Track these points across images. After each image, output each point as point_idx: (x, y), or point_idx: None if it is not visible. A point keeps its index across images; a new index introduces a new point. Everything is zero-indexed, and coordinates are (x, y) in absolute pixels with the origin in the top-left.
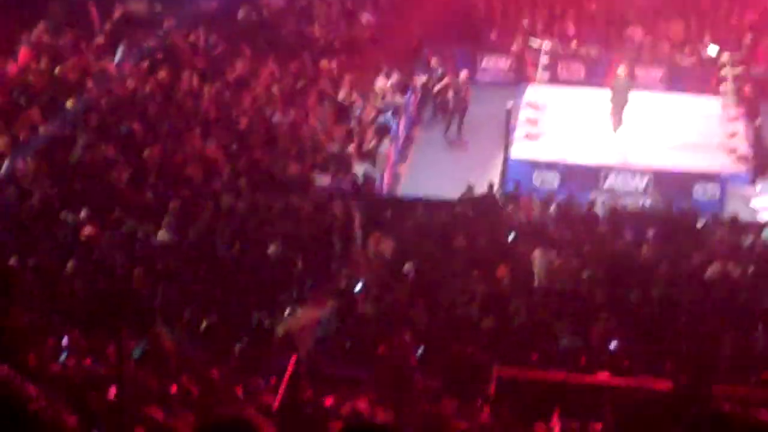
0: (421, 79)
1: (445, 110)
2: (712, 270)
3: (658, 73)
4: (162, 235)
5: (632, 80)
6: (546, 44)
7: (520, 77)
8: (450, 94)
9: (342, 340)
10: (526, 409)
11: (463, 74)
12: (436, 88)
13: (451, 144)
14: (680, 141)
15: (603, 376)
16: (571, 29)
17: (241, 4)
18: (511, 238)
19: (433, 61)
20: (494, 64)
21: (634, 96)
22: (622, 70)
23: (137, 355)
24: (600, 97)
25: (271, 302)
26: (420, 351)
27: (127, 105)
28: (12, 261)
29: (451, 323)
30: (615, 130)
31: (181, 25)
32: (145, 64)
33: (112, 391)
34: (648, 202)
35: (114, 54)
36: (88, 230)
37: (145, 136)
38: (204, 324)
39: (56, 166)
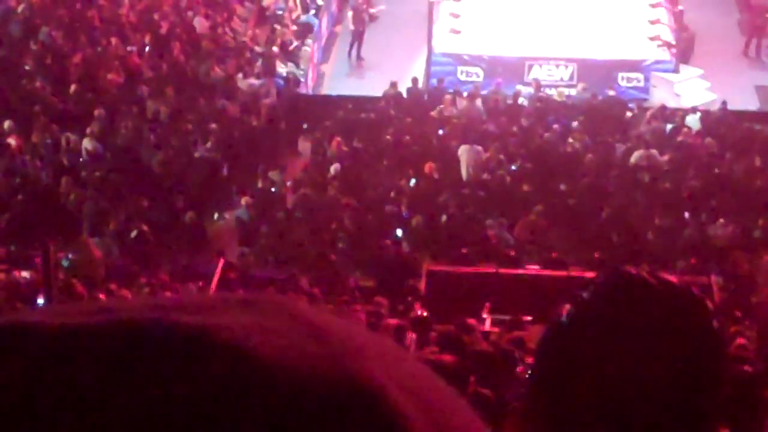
0: None
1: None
2: (637, 157)
3: None
4: (87, 143)
5: None
6: None
7: None
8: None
9: (270, 241)
10: (456, 303)
11: None
12: None
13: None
14: (603, 29)
15: (533, 269)
16: None
17: None
18: (440, 133)
19: None
20: None
21: None
22: None
23: (66, 264)
24: None
25: (199, 206)
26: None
27: (46, 12)
28: None
29: (379, 220)
30: None
31: None
32: None
33: (40, 300)
34: (573, 92)
35: None
36: (11, 141)
37: (65, 43)
38: (133, 232)
39: None
